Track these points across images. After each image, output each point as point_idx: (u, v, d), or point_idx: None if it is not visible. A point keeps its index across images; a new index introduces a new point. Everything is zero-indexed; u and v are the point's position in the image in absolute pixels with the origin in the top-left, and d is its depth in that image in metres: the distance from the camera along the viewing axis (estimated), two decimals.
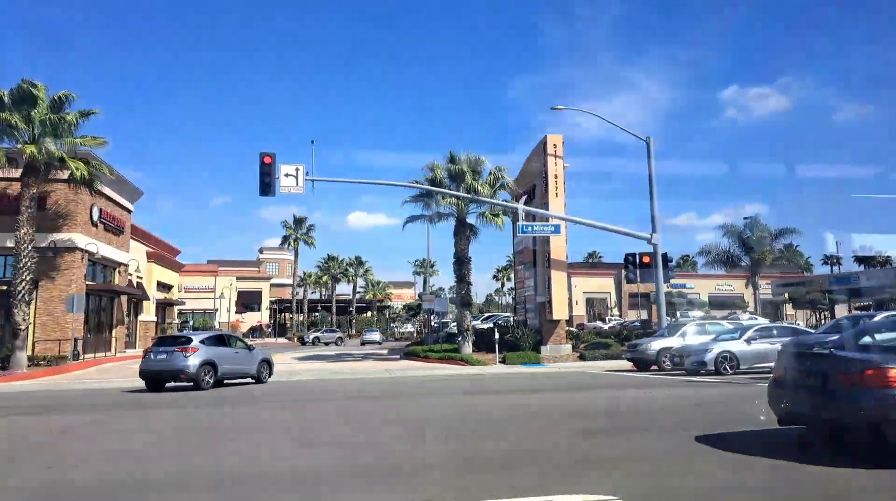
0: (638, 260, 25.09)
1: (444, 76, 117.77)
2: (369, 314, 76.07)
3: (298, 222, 64.49)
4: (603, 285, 63.22)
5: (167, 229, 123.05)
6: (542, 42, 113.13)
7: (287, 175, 21.13)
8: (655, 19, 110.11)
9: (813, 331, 20.26)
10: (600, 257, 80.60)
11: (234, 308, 66.29)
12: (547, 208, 25.67)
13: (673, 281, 37.19)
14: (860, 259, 57.26)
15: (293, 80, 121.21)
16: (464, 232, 28.18)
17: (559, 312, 25.56)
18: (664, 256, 24.94)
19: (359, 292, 75.16)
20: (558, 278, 25.71)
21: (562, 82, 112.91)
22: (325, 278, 71.31)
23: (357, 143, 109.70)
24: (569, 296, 32.56)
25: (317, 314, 73.18)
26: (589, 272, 64.80)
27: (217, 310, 61.38)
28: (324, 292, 74.89)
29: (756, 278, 38.74)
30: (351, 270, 71.69)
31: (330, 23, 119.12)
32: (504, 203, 27.93)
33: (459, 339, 27.25)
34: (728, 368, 17.34)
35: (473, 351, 26.29)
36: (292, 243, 65.02)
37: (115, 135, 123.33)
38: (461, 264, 28.13)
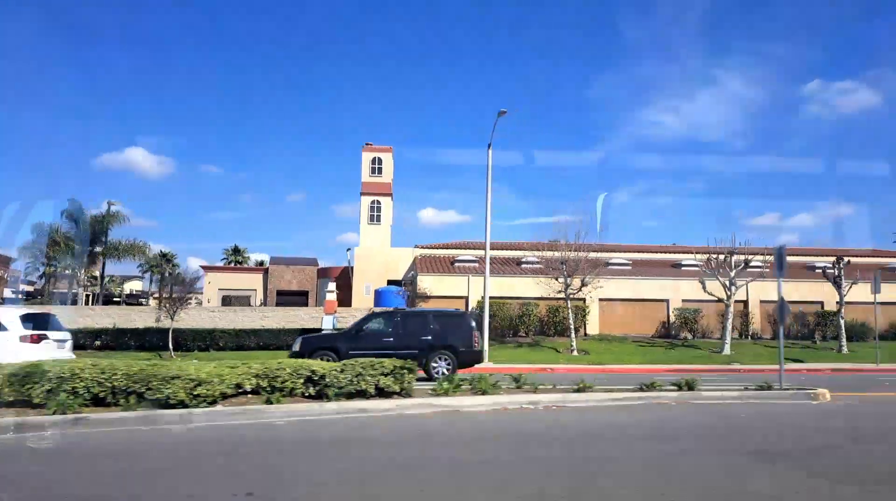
0: None
1: (523, 73, 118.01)
2: None
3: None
4: None
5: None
6: (623, 40, 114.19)
7: None
8: (740, 14, 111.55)
9: None
10: None
11: None
12: None
13: None
14: None
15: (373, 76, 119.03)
16: None
17: None
18: None
19: None
20: None
21: (644, 80, 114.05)
22: None
23: (436, 141, 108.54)
24: None
25: None
26: None
27: None
28: None
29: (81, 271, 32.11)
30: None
31: (406, 23, 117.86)
32: None
33: None
34: None
35: None
36: None
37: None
38: None
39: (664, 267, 38.27)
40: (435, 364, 16.19)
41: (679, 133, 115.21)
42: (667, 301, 33.34)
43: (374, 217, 41.31)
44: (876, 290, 27.39)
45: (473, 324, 17.10)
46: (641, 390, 11.66)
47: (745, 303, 34.26)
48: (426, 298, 31.30)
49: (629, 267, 37.19)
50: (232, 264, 67.81)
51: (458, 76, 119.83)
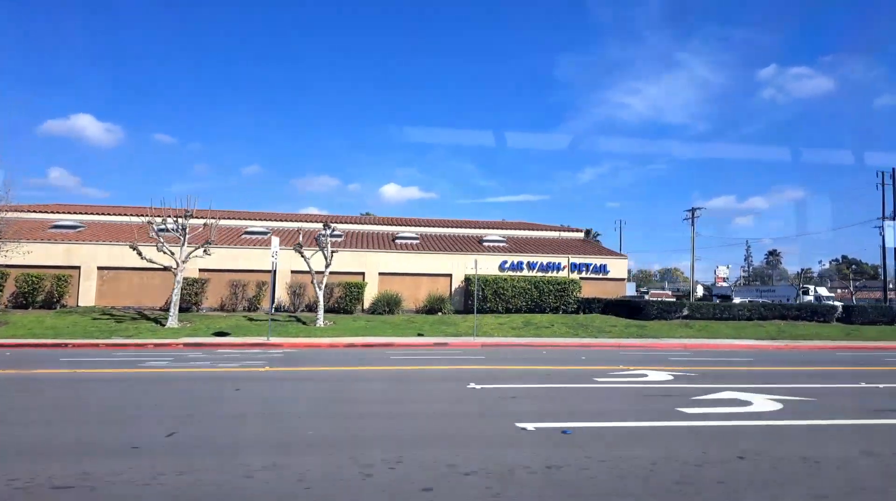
0: None
1: (490, 53, 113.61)
2: None
3: None
4: None
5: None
6: (590, 21, 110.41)
7: None
8: None
9: None
10: None
11: None
12: None
13: None
14: None
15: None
16: None
17: None
18: None
19: None
20: None
21: (610, 61, 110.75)
22: None
23: (401, 119, 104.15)
24: None
25: None
26: None
27: None
28: None
29: None
30: None
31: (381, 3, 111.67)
32: None
33: None
34: None
35: None
36: None
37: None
38: None
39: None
40: None
41: (643, 115, 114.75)
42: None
43: None
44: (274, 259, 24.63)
45: None
46: None
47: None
48: None
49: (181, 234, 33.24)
50: None
51: (428, 56, 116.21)
